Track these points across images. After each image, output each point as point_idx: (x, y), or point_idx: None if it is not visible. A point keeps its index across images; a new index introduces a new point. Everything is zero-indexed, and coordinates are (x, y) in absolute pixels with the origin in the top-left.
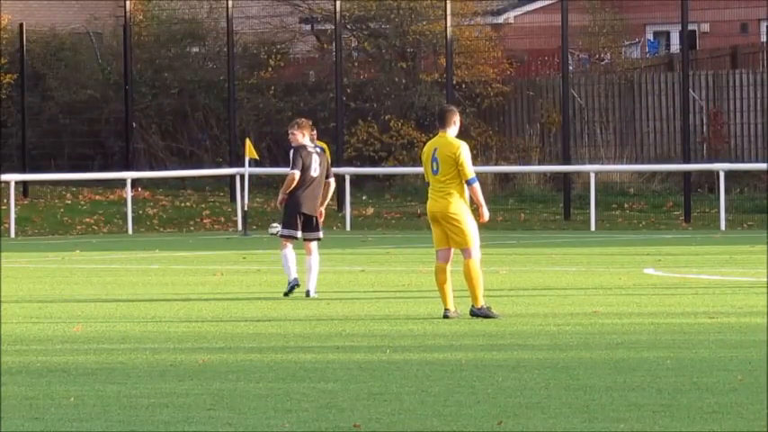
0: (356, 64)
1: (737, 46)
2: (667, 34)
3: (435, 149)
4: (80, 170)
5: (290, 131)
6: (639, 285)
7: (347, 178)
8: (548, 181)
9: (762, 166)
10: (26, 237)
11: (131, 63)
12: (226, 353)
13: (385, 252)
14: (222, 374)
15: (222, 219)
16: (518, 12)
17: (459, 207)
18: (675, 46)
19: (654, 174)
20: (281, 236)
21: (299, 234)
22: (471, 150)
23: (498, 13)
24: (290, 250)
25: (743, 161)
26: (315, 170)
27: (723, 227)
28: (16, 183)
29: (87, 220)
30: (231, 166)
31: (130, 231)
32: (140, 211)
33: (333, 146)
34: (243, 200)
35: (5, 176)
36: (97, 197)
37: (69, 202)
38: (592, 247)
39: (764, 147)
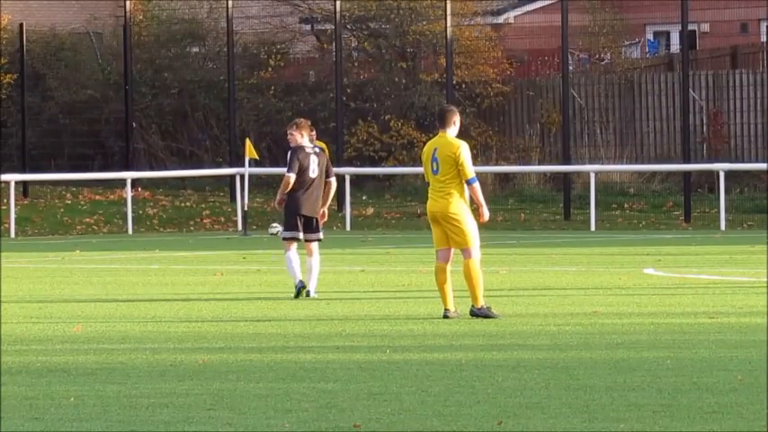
0: (356, 64)
1: (737, 46)
2: (667, 34)
3: (435, 149)
4: (80, 170)
5: (288, 132)
6: (639, 285)
7: (347, 178)
8: (548, 181)
9: (762, 166)
10: (26, 237)
11: (131, 63)
12: (226, 353)
13: (385, 252)
14: (222, 374)
15: (222, 219)
16: (518, 12)
17: (459, 207)
18: (675, 46)
19: (654, 174)
20: (284, 238)
21: (301, 235)
22: (471, 150)
23: (498, 13)
24: (293, 252)
25: (743, 161)
26: (313, 171)
27: (723, 227)
28: (16, 183)
29: (87, 220)
30: (231, 166)
31: (130, 231)
32: (140, 211)
33: (333, 146)
34: (243, 200)
35: (5, 176)
36: (97, 197)
37: (69, 202)
38: (592, 247)
39: (764, 147)
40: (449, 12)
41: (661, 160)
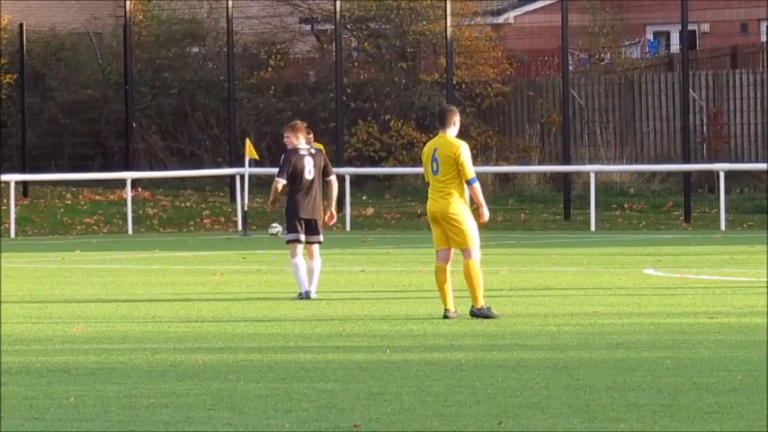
0: (356, 64)
1: (737, 46)
2: (667, 34)
3: (435, 149)
4: (80, 170)
5: (284, 135)
6: (639, 285)
7: (347, 178)
8: (548, 181)
9: (762, 166)
10: (26, 237)
11: (131, 63)
12: (226, 353)
13: (385, 252)
14: (222, 374)
15: (222, 219)
16: (518, 12)
17: (459, 207)
18: (675, 46)
19: (654, 174)
20: (287, 241)
21: (303, 237)
22: (471, 150)
23: (498, 13)
24: (299, 259)
25: (743, 161)
26: (309, 172)
27: (723, 227)
28: (16, 183)
29: (87, 220)
30: (231, 166)
31: (130, 231)
32: (140, 212)
33: (333, 146)
34: (243, 200)
35: (5, 176)
36: (97, 197)
37: (69, 202)
38: (592, 247)
39: (764, 147)
40: (449, 12)
41: (661, 160)
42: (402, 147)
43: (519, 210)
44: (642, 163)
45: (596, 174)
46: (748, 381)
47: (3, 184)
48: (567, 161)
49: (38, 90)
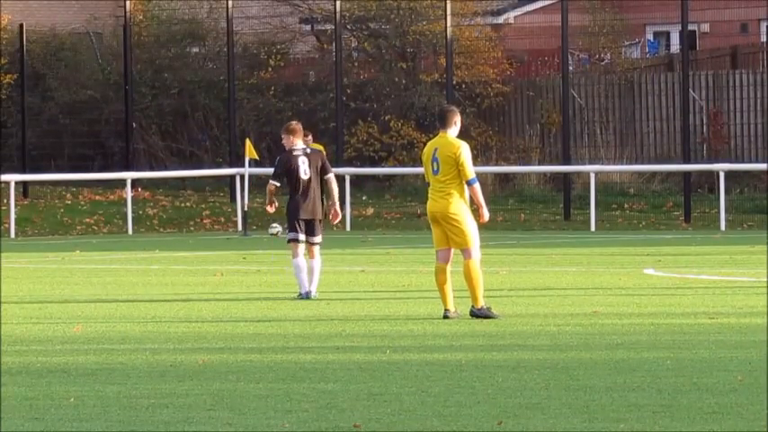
0: (356, 64)
1: (737, 46)
2: (667, 34)
3: (436, 149)
4: (80, 170)
5: (282, 136)
6: (639, 285)
7: (347, 178)
8: (548, 181)
9: (762, 166)
10: (26, 237)
11: (131, 63)
12: (226, 353)
13: (385, 252)
14: (222, 375)
15: (222, 219)
16: (518, 12)
17: (459, 207)
18: (675, 46)
19: (654, 174)
20: (288, 241)
21: (303, 237)
22: (471, 150)
23: (498, 13)
24: (301, 259)
25: (743, 161)
26: (305, 172)
27: (723, 227)
28: (16, 183)
29: (87, 220)
30: (231, 166)
31: (130, 231)
32: (140, 212)
33: (333, 146)
34: (243, 200)
35: (5, 176)
36: (97, 197)
37: (69, 202)
38: (592, 248)
39: (764, 147)
40: (449, 12)
41: (661, 160)
42: (402, 147)
43: (519, 210)
44: (642, 163)
45: (596, 174)
46: (748, 381)
47: (3, 184)
48: (567, 161)
49: (38, 90)
